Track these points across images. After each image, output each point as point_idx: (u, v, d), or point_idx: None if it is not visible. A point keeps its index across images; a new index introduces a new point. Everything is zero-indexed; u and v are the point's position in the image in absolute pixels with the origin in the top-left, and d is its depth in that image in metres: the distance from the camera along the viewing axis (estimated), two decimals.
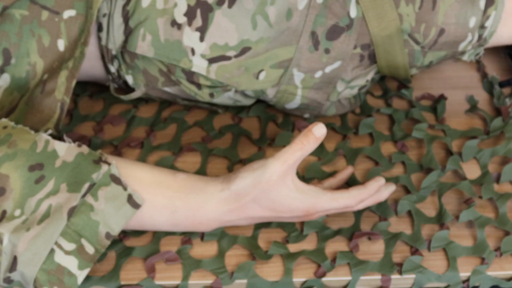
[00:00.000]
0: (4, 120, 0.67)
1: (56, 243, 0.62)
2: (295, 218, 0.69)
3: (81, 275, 0.63)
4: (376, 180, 0.70)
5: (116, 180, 0.65)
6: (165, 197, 0.66)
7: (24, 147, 0.64)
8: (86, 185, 0.63)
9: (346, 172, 0.76)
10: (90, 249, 0.63)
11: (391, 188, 0.73)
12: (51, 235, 0.61)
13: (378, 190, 0.71)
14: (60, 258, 0.62)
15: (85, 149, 0.66)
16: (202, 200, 0.67)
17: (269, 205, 0.67)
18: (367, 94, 0.90)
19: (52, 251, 0.62)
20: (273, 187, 0.66)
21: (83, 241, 0.63)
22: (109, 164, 0.65)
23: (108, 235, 0.64)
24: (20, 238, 0.61)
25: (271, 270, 0.70)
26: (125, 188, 0.64)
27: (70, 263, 0.62)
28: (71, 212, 0.62)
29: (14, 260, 0.61)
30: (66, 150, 0.65)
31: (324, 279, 0.69)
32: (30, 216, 0.62)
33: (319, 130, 0.65)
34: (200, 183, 0.68)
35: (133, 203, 0.65)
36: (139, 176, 0.67)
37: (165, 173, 0.68)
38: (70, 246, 0.62)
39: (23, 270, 0.61)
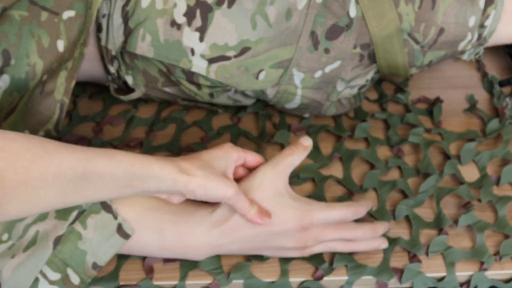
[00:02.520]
0: None
1: (41, 272, 0.61)
2: (289, 237, 0.66)
3: None
4: (364, 200, 0.71)
5: (106, 207, 0.64)
6: (154, 218, 0.65)
7: None
8: (75, 213, 0.63)
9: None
10: (75, 279, 0.62)
11: (385, 225, 0.71)
12: (36, 264, 0.61)
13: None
14: (44, 287, 0.61)
15: None
16: (192, 224, 0.65)
17: None
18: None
19: (36, 280, 0.61)
20: (264, 192, 0.65)
21: (69, 271, 0.62)
22: None
23: (95, 265, 0.63)
24: (5, 265, 0.60)
25: (268, 271, 0.70)
26: (115, 217, 0.63)
27: None
28: (57, 241, 0.61)
29: None
30: None
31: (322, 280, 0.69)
32: (17, 242, 0.61)
33: (305, 141, 0.70)
34: (191, 207, 0.67)
35: (123, 233, 0.64)
36: (130, 199, 0.65)
37: (157, 198, 0.66)
38: (55, 276, 0.62)
39: None
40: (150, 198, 0.66)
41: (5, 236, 0.62)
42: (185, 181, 0.59)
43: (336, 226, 0.68)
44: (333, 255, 0.70)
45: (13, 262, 0.61)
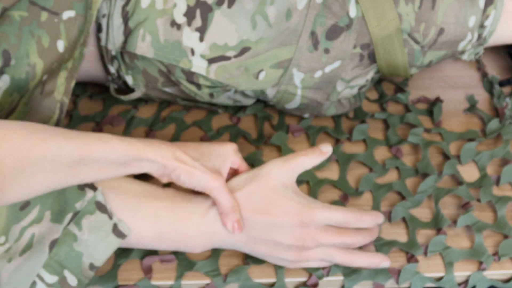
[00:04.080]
0: None
1: (38, 275, 0.61)
2: (287, 231, 0.65)
3: None
4: (374, 213, 0.68)
5: (101, 208, 0.64)
6: (151, 206, 0.65)
7: None
8: (69, 215, 0.62)
9: None
10: (73, 280, 0.62)
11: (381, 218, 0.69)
12: (33, 267, 0.61)
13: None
14: None
15: None
16: (189, 210, 0.65)
17: (260, 204, 0.64)
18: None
19: (33, 283, 0.61)
20: (269, 182, 0.65)
21: (66, 273, 0.62)
22: (94, 189, 0.64)
23: (91, 266, 0.63)
24: (2, 269, 0.60)
25: (265, 273, 0.70)
26: (110, 217, 0.63)
27: None
28: (53, 244, 0.61)
29: None
30: None
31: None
32: (13, 245, 0.61)
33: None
34: (189, 195, 0.67)
35: (118, 232, 0.63)
36: (126, 187, 0.65)
37: (154, 186, 0.67)
38: (52, 279, 0.62)
39: None
40: (146, 185, 0.66)
41: (2, 239, 0.62)
42: (174, 167, 0.62)
43: (336, 229, 0.66)
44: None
45: (10, 266, 0.61)
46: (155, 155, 0.61)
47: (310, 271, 0.69)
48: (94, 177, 0.60)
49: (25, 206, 0.62)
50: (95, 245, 0.63)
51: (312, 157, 0.68)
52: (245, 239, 0.66)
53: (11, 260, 0.61)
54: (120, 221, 0.64)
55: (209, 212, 0.65)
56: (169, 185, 0.75)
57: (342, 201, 0.76)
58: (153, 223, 0.65)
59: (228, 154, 0.67)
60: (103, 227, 0.63)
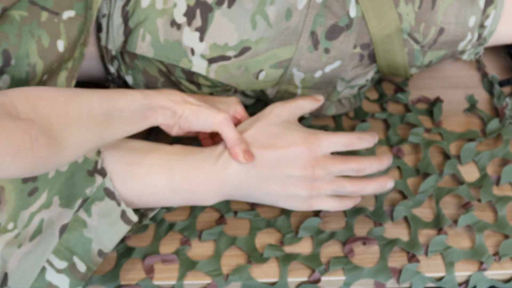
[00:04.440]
0: None
1: (47, 260, 0.62)
2: (297, 164, 0.66)
3: None
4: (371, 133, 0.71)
5: (110, 194, 0.64)
6: (162, 159, 0.67)
7: None
8: (79, 201, 0.63)
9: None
10: (82, 267, 0.63)
11: (389, 157, 0.70)
12: (43, 253, 0.61)
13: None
14: (52, 276, 0.62)
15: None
16: (200, 159, 0.67)
17: (267, 140, 0.66)
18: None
19: (43, 269, 0.62)
20: (273, 119, 0.67)
21: (75, 259, 0.62)
22: (103, 175, 0.65)
23: (100, 252, 0.64)
24: (12, 255, 0.61)
25: (266, 273, 0.70)
26: (118, 204, 0.64)
27: (62, 281, 0.62)
28: (63, 229, 0.62)
29: (5, 276, 0.61)
30: None
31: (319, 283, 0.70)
32: (22, 231, 0.62)
33: (318, 96, 0.74)
34: (198, 148, 0.69)
35: (126, 219, 0.64)
36: (135, 146, 0.67)
37: (162, 144, 0.69)
38: (61, 264, 0.62)
39: (14, 287, 0.61)
40: (155, 144, 0.68)
41: (10, 225, 0.62)
42: (183, 108, 0.66)
43: (343, 156, 0.68)
44: (330, 257, 0.71)
45: (19, 251, 0.61)
46: (167, 101, 0.65)
47: (312, 266, 0.69)
48: (125, 130, 0.63)
49: (33, 191, 0.63)
50: (104, 232, 0.63)
51: (310, 101, 0.72)
52: (256, 179, 0.66)
53: (21, 245, 0.61)
54: (127, 208, 0.65)
55: (220, 158, 0.67)
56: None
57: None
58: (167, 175, 0.66)
59: (231, 102, 0.72)
60: (112, 213, 0.64)
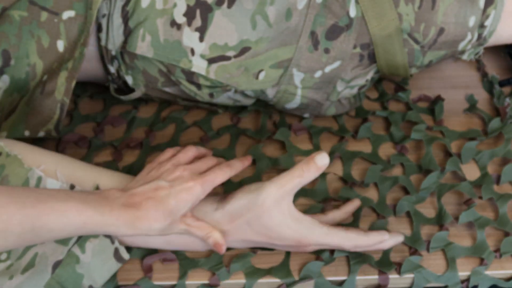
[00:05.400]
0: None
1: None
2: (287, 247, 0.68)
3: None
4: (379, 233, 0.68)
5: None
6: None
7: (16, 185, 0.63)
8: (74, 238, 0.63)
9: (352, 205, 0.73)
10: None
11: (398, 238, 0.69)
12: (34, 286, 0.61)
13: (379, 242, 0.68)
14: None
15: (76, 191, 0.63)
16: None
17: (261, 230, 0.66)
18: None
19: None
20: (267, 212, 0.65)
21: None
22: None
23: (90, 287, 0.64)
24: (3, 286, 0.60)
25: (269, 261, 0.70)
26: (112, 241, 0.64)
27: None
28: (57, 265, 0.62)
29: None
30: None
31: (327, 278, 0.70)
32: (15, 262, 0.62)
33: (321, 160, 0.64)
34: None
35: (119, 257, 0.65)
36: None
37: None
38: None
39: None
40: None
41: (3, 256, 0.62)
42: (142, 234, 0.62)
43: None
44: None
45: (10, 283, 0.61)
46: (119, 230, 0.60)
47: (317, 253, 0.70)
48: (51, 239, 0.59)
49: None
50: (96, 268, 0.63)
51: (308, 175, 0.64)
52: (249, 244, 0.68)
53: (13, 277, 0.61)
54: (120, 246, 0.65)
55: (215, 215, 0.66)
56: None
57: (350, 188, 0.77)
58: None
59: (197, 197, 0.64)
60: (105, 251, 0.64)
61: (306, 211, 0.74)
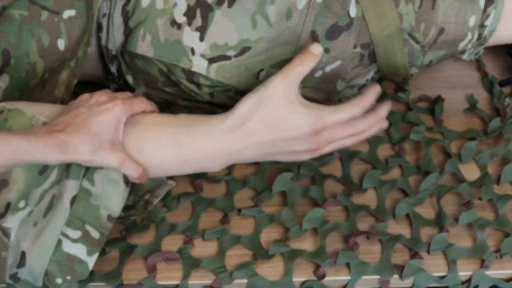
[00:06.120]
0: None
1: (62, 233, 0.63)
2: (302, 140, 0.67)
3: (91, 261, 0.64)
4: (370, 87, 0.70)
5: None
6: (169, 133, 0.66)
7: None
8: (83, 170, 0.64)
9: (373, 89, 0.72)
10: (95, 233, 0.64)
11: (387, 105, 0.71)
12: (57, 226, 0.62)
13: (376, 109, 0.70)
14: (68, 247, 0.63)
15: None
16: (206, 131, 0.66)
17: (274, 124, 0.66)
18: None
19: (59, 242, 0.63)
20: (277, 102, 0.66)
21: (87, 227, 0.64)
22: None
23: (109, 217, 0.64)
24: (28, 233, 0.62)
25: (271, 270, 0.70)
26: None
27: (79, 250, 0.63)
28: (73, 200, 0.63)
29: (22, 255, 0.62)
30: None
31: (324, 280, 0.69)
32: (35, 208, 0.63)
33: (316, 48, 0.68)
34: (202, 118, 0.68)
35: (127, 180, 0.65)
36: (140, 120, 0.67)
37: (165, 115, 0.68)
38: (76, 234, 0.63)
39: (33, 265, 0.62)
40: (159, 116, 0.68)
41: (21, 203, 0.63)
42: (73, 159, 0.61)
43: (345, 124, 0.68)
44: (335, 252, 0.71)
45: (35, 229, 0.62)
46: (47, 157, 0.60)
47: (318, 262, 0.70)
48: None
49: (43, 170, 0.63)
50: (109, 197, 0.64)
51: (308, 64, 0.68)
52: (264, 153, 0.68)
53: (37, 223, 0.62)
54: None
55: (229, 134, 0.66)
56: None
57: (347, 196, 0.76)
58: (175, 149, 0.66)
59: (117, 118, 0.65)
60: (113, 179, 0.64)
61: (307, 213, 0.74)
